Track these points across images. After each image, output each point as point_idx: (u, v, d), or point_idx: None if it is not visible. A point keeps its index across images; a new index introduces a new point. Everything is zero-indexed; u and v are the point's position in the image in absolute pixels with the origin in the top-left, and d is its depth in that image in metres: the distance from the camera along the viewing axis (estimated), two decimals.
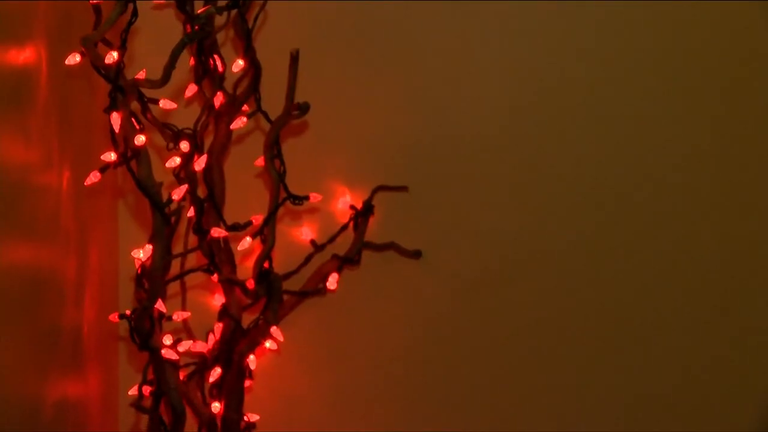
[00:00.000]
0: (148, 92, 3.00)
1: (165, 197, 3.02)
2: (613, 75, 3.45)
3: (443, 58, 3.41)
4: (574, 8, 3.42)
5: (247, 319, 3.22)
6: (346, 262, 3.37)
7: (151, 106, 3.04)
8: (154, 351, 3.07)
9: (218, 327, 3.22)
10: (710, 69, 3.49)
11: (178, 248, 3.18)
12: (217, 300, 3.26)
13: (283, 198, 3.20)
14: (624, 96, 3.46)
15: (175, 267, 3.18)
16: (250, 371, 3.26)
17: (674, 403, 3.57)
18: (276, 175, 3.19)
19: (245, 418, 3.25)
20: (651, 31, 3.46)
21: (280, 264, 3.27)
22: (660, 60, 3.46)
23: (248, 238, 3.22)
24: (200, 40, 3.10)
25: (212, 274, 3.19)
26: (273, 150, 3.19)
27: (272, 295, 3.21)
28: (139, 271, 3.05)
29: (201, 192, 3.15)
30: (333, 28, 3.40)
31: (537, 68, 3.43)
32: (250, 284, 3.19)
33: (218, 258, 3.18)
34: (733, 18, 3.48)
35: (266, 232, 3.18)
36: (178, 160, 3.10)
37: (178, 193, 3.08)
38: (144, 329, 3.04)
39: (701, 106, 3.50)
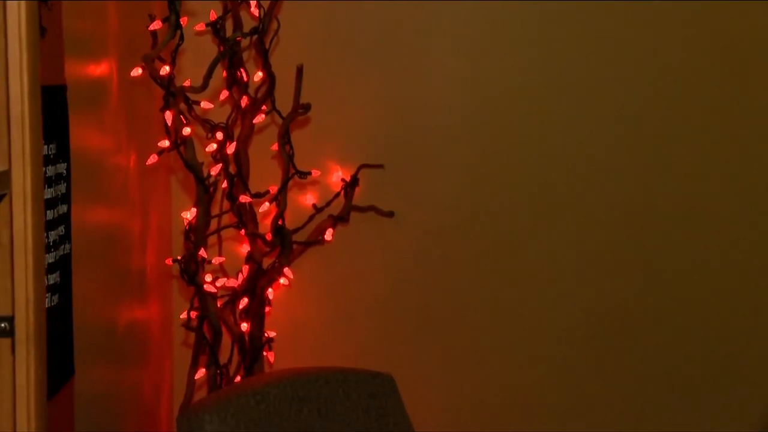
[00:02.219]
0: (192, 96, 3.04)
1: (205, 173, 3.08)
2: (549, 75, 3.43)
3: (412, 69, 3.39)
4: (519, 22, 3.42)
5: (267, 262, 3.25)
6: (339, 220, 3.39)
7: (195, 106, 3.06)
8: (199, 286, 3.12)
9: (245, 268, 3.25)
10: (649, 57, 3.44)
11: (215, 210, 3.20)
12: (244, 248, 3.27)
13: (292, 173, 3.25)
14: (560, 89, 3.43)
15: (213, 224, 3.20)
16: (269, 300, 3.30)
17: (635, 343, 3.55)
18: (287, 156, 3.24)
19: (265, 335, 3.29)
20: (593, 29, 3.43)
21: (290, 222, 3.31)
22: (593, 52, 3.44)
23: (267, 203, 3.26)
24: (230, 57, 3.12)
25: (241, 229, 3.23)
26: (284, 138, 3.23)
27: (285, 244, 3.25)
28: (186, 228, 3.11)
29: (232, 169, 3.17)
30: (329, 48, 3.39)
31: (485, 73, 3.41)
32: (269, 237, 3.23)
33: (245, 217, 3.21)
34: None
35: (280, 199, 3.23)
36: (214, 146, 3.13)
37: (215, 170, 3.13)
38: (191, 270, 3.09)
39: (632, 89, 3.45)
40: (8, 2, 1.01)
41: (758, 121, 3.45)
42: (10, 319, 1.05)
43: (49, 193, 2.16)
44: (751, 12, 3.37)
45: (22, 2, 1.02)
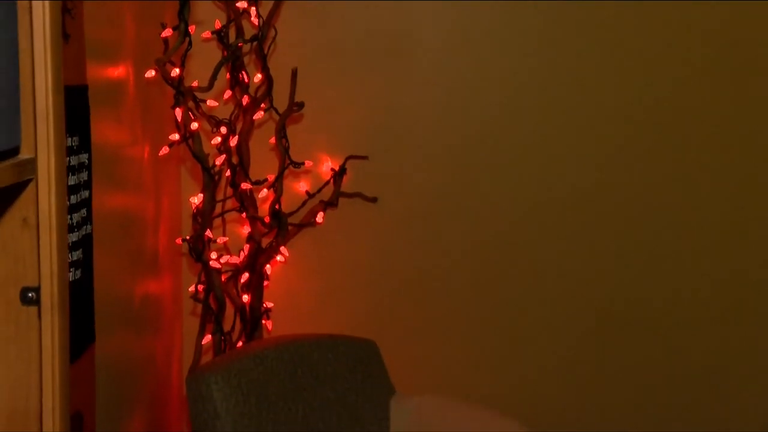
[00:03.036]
0: (199, 95, 3.04)
1: (211, 163, 3.08)
2: (521, 70, 3.40)
3: (394, 71, 3.36)
4: (490, 23, 3.38)
5: (265, 242, 3.25)
6: (328, 205, 3.37)
7: (201, 104, 3.06)
8: (205, 263, 3.12)
9: (246, 247, 3.24)
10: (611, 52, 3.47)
11: (219, 196, 3.20)
12: (245, 230, 3.26)
13: (288, 163, 3.25)
14: (530, 84, 3.40)
15: (217, 208, 3.19)
16: (267, 275, 3.30)
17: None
18: (283, 148, 3.23)
19: (264, 306, 3.29)
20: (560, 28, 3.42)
21: (286, 206, 3.30)
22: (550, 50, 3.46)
23: (265, 190, 3.26)
24: (233, 61, 3.12)
25: (242, 212, 3.22)
26: (281, 132, 3.22)
27: (281, 226, 3.25)
28: (194, 211, 3.11)
29: (234, 160, 3.16)
30: (321, 54, 3.36)
31: (460, 74, 3.38)
32: (267, 219, 3.23)
33: (246, 202, 3.20)
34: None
35: (277, 186, 3.23)
36: (219, 139, 3.12)
37: (220, 160, 3.12)
38: (198, 248, 3.09)
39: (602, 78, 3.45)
40: (33, 3, 1.00)
41: (759, 125, 3.43)
42: (37, 290, 1.04)
43: (72, 180, 2.15)
44: (752, 13, 3.36)
45: (46, 5, 1.01)
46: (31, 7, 0.97)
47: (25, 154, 1.01)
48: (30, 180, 1.03)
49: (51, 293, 1.02)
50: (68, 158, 2.13)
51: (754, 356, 3.51)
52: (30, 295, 1.05)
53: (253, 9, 3.14)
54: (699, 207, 3.45)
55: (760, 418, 3.51)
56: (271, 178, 3.25)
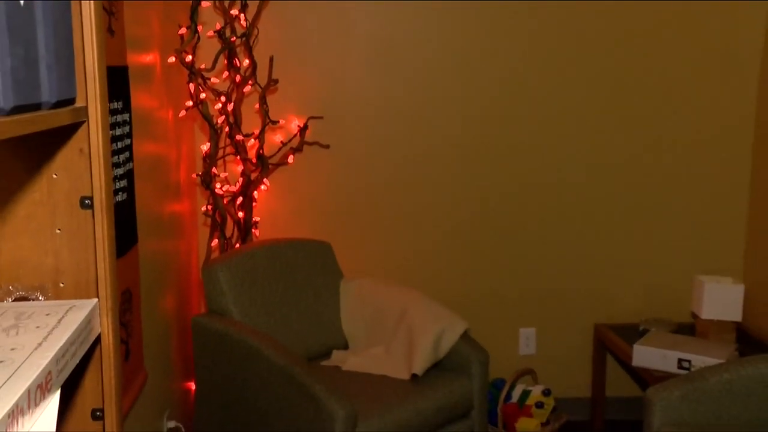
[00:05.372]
0: (206, 74, 2.98)
1: (214, 121, 3.02)
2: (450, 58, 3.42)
3: (339, 59, 3.34)
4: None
5: (253, 176, 3.19)
6: (296, 150, 3.32)
7: (207, 81, 2.99)
8: (212, 190, 3.08)
9: (240, 179, 3.19)
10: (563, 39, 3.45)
11: (221, 144, 3.15)
12: (239, 168, 3.20)
13: (268, 122, 3.20)
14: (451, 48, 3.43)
15: (219, 153, 3.15)
16: (255, 199, 3.25)
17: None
18: (264, 111, 3.17)
19: (253, 219, 3.26)
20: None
21: (267, 151, 3.26)
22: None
23: (253, 140, 3.20)
24: (228, 51, 3.05)
25: (237, 156, 3.17)
26: (263, 100, 3.16)
27: (264, 165, 3.20)
28: (204, 155, 3.06)
29: (231, 119, 3.11)
30: (289, 45, 3.32)
31: (386, 58, 3.38)
32: (254, 161, 3.20)
33: (239, 149, 3.14)
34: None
35: (260, 137, 3.17)
36: (220, 105, 3.06)
37: (220, 119, 3.06)
38: (207, 181, 3.05)
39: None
40: (83, 3, 0.97)
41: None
42: (91, 198, 1.02)
43: (118, 132, 2.11)
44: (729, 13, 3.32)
45: (92, 4, 0.98)
46: (80, 5, 0.95)
47: (80, 103, 0.98)
48: (83, 121, 1.00)
49: (101, 200, 1.01)
50: (114, 116, 2.08)
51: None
52: (86, 201, 1.03)
53: (242, 15, 3.07)
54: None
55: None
56: (257, 132, 3.20)
